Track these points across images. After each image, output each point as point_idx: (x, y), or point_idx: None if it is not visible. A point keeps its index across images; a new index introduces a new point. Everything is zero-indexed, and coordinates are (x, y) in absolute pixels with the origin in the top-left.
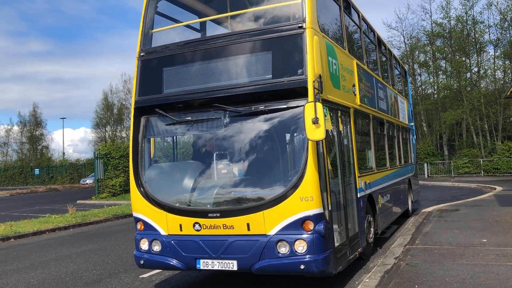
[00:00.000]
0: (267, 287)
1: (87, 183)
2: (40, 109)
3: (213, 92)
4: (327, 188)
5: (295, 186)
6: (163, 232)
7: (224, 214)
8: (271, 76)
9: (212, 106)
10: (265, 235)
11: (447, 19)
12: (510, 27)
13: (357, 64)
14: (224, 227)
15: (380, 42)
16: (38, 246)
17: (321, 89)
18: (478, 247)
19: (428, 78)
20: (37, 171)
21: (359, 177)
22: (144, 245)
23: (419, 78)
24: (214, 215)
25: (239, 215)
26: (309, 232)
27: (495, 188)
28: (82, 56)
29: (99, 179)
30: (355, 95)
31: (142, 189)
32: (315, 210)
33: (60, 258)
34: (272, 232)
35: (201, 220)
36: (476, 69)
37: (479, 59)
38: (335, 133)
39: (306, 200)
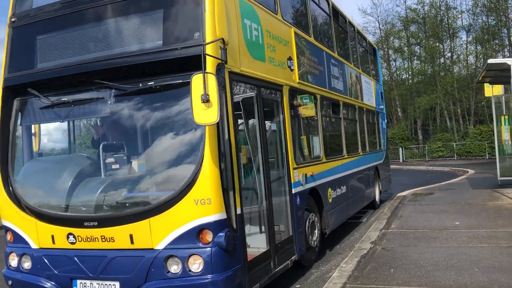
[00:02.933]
0: None
1: None
2: None
3: (93, 65)
4: (234, 187)
5: (189, 186)
6: (34, 245)
7: (103, 223)
8: (161, 42)
9: (94, 83)
10: (152, 249)
11: (421, 4)
12: (482, 13)
13: (296, 33)
14: (103, 240)
15: (336, 12)
16: None
17: (225, 58)
18: (451, 230)
19: (402, 64)
20: None
21: (295, 169)
22: (14, 261)
23: (394, 64)
24: (91, 224)
25: (119, 224)
26: (207, 245)
27: (467, 171)
28: None
29: None
30: (291, 70)
31: (11, 190)
32: (214, 216)
33: None
34: (161, 245)
35: (76, 231)
36: (449, 55)
37: (452, 45)
38: (256, 116)
39: (202, 203)
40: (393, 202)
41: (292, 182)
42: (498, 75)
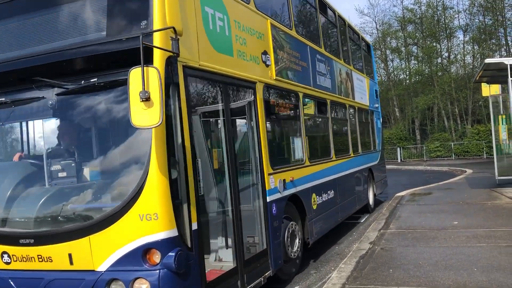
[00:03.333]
0: None
1: None
2: None
3: (33, 60)
4: (189, 198)
5: (133, 199)
6: None
7: (39, 240)
8: (105, 33)
9: (34, 81)
10: (93, 271)
11: (418, 4)
12: (479, 13)
13: (273, 25)
14: (40, 259)
15: (323, 5)
16: None
17: (177, 50)
18: (450, 230)
19: (400, 64)
20: None
21: (271, 174)
22: None
23: (391, 64)
24: (27, 241)
25: (57, 241)
26: (154, 267)
27: (465, 171)
28: None
29: None
30: (267, 66)
31: None
32: (162, 233)
33: None
34: (103, 267)
35: (11, 249)
36: (446, 55)
37: (449, 45)
38: (221, 116)
39: (148, 219)
40: (391, 202)
41: (267, 189)
42: (495, 74)
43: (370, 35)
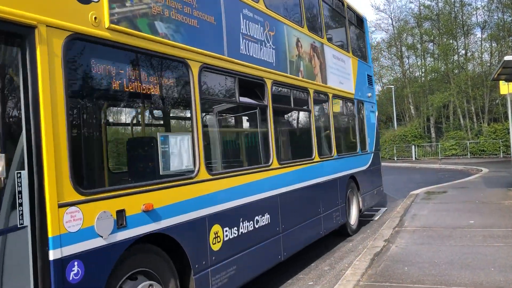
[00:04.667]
0: None
1: None
2: None
3: None
4: None
5: None
6: None
7: None
8: None
9: None
10: None
11: (435, 1)
12: (498, 9)
13: None
14: None
15: None
16: None
17: None
18: (466, 229)
19: (415, 61)
20: None
21: (73, 205)
22: None
23: (407, 61)
24: None
25: None
26: None
27: (481, 170)
28: None
29: None
30: (87, 2)
31: None
32: None
33: None
34: None
35: None
36: (463, 52)
37: (467, 42)
38: None
39: None
40: (406, 200)
41: (51, 235)
42: None
43: (386, 32)
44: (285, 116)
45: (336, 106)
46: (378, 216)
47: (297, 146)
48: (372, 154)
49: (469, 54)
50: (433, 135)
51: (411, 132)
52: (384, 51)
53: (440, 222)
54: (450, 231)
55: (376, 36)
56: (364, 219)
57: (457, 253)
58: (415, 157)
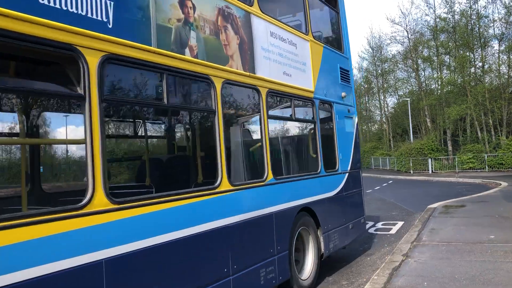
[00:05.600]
0: None
1: None
2: None
3: None
4: None
5: None
6: None
7: None
8: None
9: None
10: None
11: (451, 13)
12: None
13: None
14: None
15: None
16: None
17: None
18: (486, 244)
19: (432, 73)
20: None
21: None
22: None
23: (423, 73)
24: None
25: None
26: None
27: (500, 184)
28: None
29: None
30: None
31: None
32: None
33: None
34: None
35: None
36: (480, 64)
37: (484, 54)
38: None
39: None
40: (424, 214)
41: None
42: None
43: (401, 44)
44: (151, 118)
45: (277, 107)
46: (395, 230)
47: (185, 166)
48: (347, 174)
49: (486, 66)
50: (450, 148)
51: (427, 145)
52: (399, 63)
53: (460, 236)
54: (470, 246)
55: (392, 49)
56: (381, 233)
57: (478, 268)
58: (432, 170)
